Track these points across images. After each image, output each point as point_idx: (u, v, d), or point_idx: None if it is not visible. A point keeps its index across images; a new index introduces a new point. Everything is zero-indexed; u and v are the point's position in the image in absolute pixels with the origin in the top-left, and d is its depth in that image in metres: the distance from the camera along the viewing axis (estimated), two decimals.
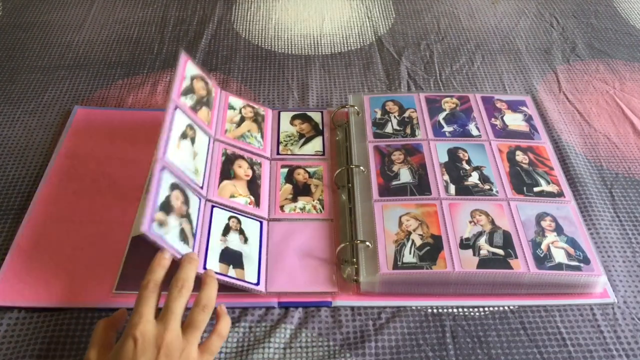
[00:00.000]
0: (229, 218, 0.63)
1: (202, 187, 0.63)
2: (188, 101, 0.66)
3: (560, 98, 0.84)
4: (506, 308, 0.59)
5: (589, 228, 0.65)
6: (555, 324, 0.58)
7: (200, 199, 0.62)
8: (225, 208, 0.64)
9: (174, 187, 0.57)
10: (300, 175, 0.70)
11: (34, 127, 0.78)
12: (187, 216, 0.58)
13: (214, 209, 0.63)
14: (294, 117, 0.78)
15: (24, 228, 0.64)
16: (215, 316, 0.52)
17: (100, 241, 0.64)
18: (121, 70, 0.88)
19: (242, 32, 0.97)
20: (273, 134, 0.75)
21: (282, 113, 0.78)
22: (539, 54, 0.93)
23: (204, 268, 0.57)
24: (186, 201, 0.59)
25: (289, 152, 0.73)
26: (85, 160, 0.73)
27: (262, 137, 0.74)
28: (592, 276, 0.58)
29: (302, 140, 0.75)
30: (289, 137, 0.75)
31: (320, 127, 0.77)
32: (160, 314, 0.48)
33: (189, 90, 0.67)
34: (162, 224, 0.53)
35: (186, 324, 0.49)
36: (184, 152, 0.62)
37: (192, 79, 0.69)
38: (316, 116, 0.78)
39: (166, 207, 0.55)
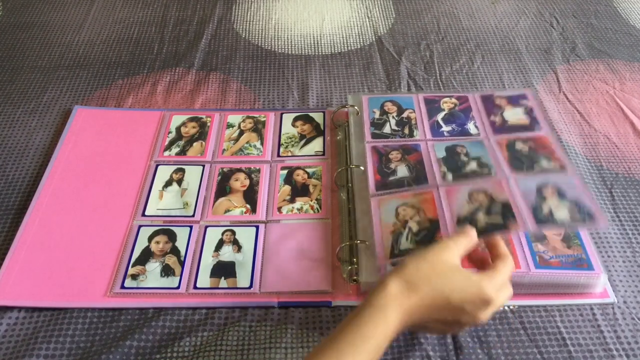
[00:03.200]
0: (223, 232, 0.64)
1: (193, 216, 0.66)
2: (174, 150, 0.74)
3: (560, 98, 0.84)
4: (506, 308, 0.59)
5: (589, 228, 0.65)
6: (555, 324, 0.58)
7: (191, 227, 0.65)
8: (219, 225, 0.65)
9: (155, 234, 0.64)
10: (299, 176, 0.70)
11: (34, 127, 0.78)
12: (172, 250, 0.63)
13: (208, 228, 0.65)
14: (295, 119, 0.78)
15: (23, 228, 0.65)
16: None
17: (100, 241, 0.64)
18: (121, 70, 0.88)
19: (242, 32, 0.97)
20: (274, 136, 0.76)
21: (284, 115, 0.79)
22: (539, 54, 0.93)
23: (195, 287, 0.60)
24: (172, 237, 0.64)
25: (289, 154, 0.73)
26: (85, 160, 0.73)
27: (262, 143, 0.75)
28: (592, 276, 0.58)
29: (302, 142, 0.75)
30: (290, 138, 0.75)
31: (322, 128, 0.77)
32: (504, 286, 0.51)
33: (175, 140, 0.75)
34: (136, 276, 0.60)
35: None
36: (168, 197, 0.68)
37: (180, 126, 0.77)
38: (318, 116, 0.78)
39: (143, 257, 0.62)
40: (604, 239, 0.65)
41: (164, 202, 0.68)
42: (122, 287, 0.59)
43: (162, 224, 0.65)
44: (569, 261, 0.59)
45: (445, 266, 0.49)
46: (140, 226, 0.65)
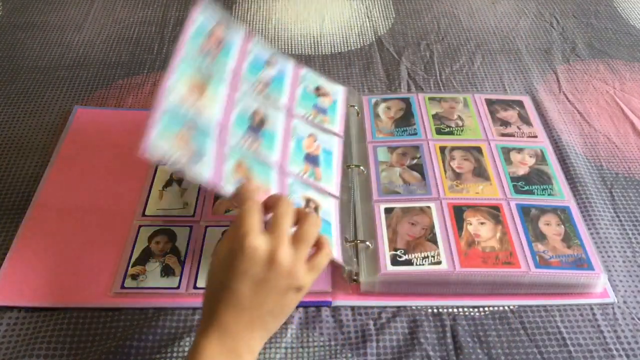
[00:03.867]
0: (223, 232, 0.64)
1: (193, 216, 0.66)
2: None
3: (560, 98, 0.84)
4: (506, 308, 0.59)
5: (589, 228, 0.65)
6: (555, 324, 0.58)
7: (191, 227, 0.65)
8: (219, 225, 0.65)
9: (155, 234, 0.64)
10: None
11: (34, 127, 0.78)
12: (172, 250, 0.62)
13: (208, 228, 0.65)
14: None
15: (24, 228, 0.65)
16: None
17: (100, 241, 0.64)
18: (121, 70, 0.88)
19: None
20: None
21: None
22: (539, 54, 0.93)
23: (195, 287, 0.59)
24: (172, 237, 0.64)
25: None
26: (85, 160, 0.73)
27: None
28: (592, 276, 0.58)
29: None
30: None
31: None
32: (270, 228, 0.46)
33: None
34: (136, 276, 0.60)
35: (296, 238, 0.46)
36: (168, 197, 0.68)
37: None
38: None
39: (143, 257, 0.62)
40: (604, 239, 0.65)
41: (164, 202, 0.68)
42: (122, 287, 0.59)
43: (162, 224, 0.65)
44: (569, 261, 0.59)
45: (213, 258, 0.46)
46: (140, 226, 0.65)
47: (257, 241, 0.44)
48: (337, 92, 0.75)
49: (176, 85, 0.59)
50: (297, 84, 0.72)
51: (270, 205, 0.48)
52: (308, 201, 0.61)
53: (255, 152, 0.61)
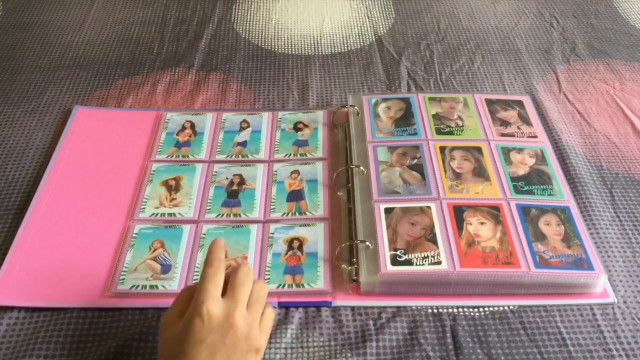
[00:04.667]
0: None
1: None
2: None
3: (560, 98, 0.84)
4: (506, 308, 0.59)
5: (589, 228, 0.65)
6: (555, 324, 0.58)
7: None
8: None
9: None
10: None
11: (34, 127, 0.78)
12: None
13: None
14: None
15: (23, 228, 0.65)
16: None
17: (100, 240, 0.64)
18: (121, 70, 0.88)
19: (242, 32, 0.97)
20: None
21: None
22: (539, 54, 0.93)
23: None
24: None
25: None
26: (85, 161, 0.73)
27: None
28: (592, 276, 0.58)
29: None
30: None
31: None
32: (228, 292, 0.48)
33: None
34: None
35: (249, 301, 0.49)
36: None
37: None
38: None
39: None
40: (604, 239, 0.65)
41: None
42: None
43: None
44: (569, 261, 0.59)
45: (168, 327, 0.48)
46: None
47: (214, 308, 0.46)
48: (317, 118, 0.77)
49: (151, 194, 0.67)
50: (275, 129, 0.75)
51: (231, 272, 0.51)
52: (292, 241, 0.63)
53: (232, 223, 0.64)
